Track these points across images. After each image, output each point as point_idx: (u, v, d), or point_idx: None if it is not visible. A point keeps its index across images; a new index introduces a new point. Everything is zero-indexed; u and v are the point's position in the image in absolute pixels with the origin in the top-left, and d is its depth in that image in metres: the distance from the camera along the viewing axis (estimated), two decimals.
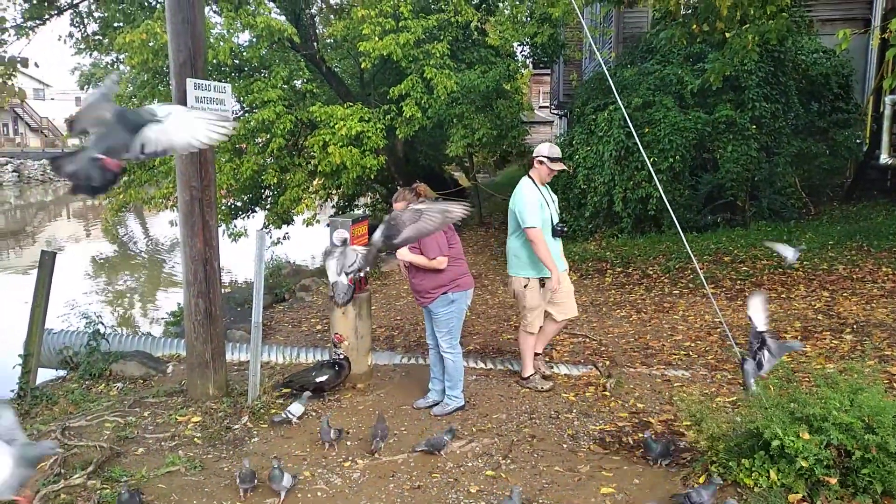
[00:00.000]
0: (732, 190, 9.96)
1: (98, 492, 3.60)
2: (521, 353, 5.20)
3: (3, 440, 2.32)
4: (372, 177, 11.81)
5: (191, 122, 2.17)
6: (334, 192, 13.37)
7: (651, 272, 8.66)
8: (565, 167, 5.45)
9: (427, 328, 4.84)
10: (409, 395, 5.05)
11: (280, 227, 12.60)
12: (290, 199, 11.57)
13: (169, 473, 3.86)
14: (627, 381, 5.14)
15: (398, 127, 11.50)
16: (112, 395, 5.29)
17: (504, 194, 15.21)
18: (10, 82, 6.24)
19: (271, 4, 12.47)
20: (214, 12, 11.50)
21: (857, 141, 11.20)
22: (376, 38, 10.72)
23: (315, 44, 13.08)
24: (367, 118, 11.10)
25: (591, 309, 7.40)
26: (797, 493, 3.17)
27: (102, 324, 5.96)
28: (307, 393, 4.61)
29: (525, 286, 4.95)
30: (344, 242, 4.30)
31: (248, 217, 13.34)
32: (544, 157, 4.93)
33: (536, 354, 5.25)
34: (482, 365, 5.76)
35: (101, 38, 12.30)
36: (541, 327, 5.11)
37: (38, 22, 11.83)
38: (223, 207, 12.32)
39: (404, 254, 4.61)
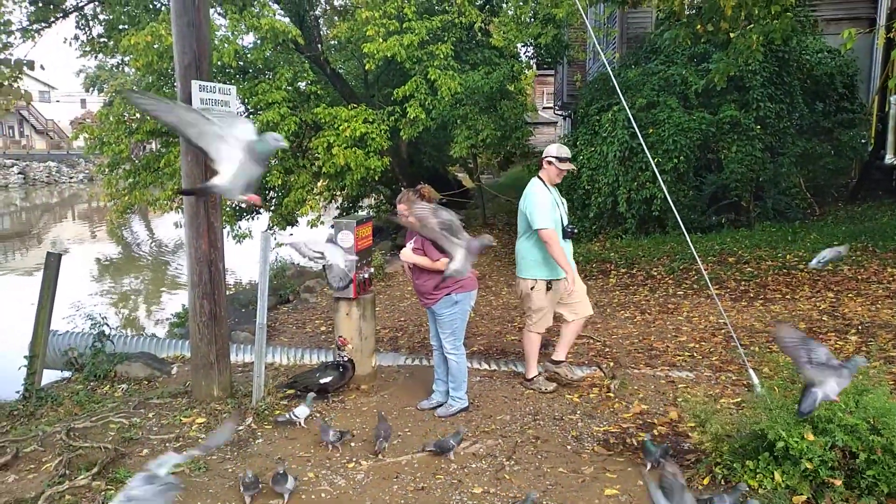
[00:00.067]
0: (737, 190, 9.94)
1: (102, 493, 3.61)
2: (525, 355, 5.19)
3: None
4: (376, 178, 11.81)
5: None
6: (338, 193, 13.39)
7: (655, 273, 8.64)
8: (574, 167, 5.45)
9: (431, 329, 4.84)
10: (413, 396, 5.06)
11: (284, 229, 12.62)
12: (294, 200, 11.59)
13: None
14: (631, 383, 5.13)
15: (402, 128, 11.50)
16: (117, 396, 5.31)
17: (508, 195, 15.23)
18: (15, 85, 6.25)
19: (275, 6, 12.50)
20: (219, 14, 11.53)
21: (862, 141, 11.16)
22: (380, 40, 10.73)
23: (319, 45, 13.10)
24: (371, 119, 11.12)
25: (595, 310, 7.37)
26: (802, 494, 3.16)
27: (107, 325, 5.99)
28: (312, 395, 4.62)
29: (532, 288, 4.94)
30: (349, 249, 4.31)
31: (253, 218, 13.37)
32: (553, 157, 4.93)
33: (559, 362, 5.17)
34: (486, 366, 5.76)
35: (106, 40, 12.33)
36: (558, 333, 5.09)
37: (43, 25, 11.88)
38: (228, 209, 12.35)
39: (408, 255, 4.62)
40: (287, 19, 12.07)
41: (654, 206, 9.82)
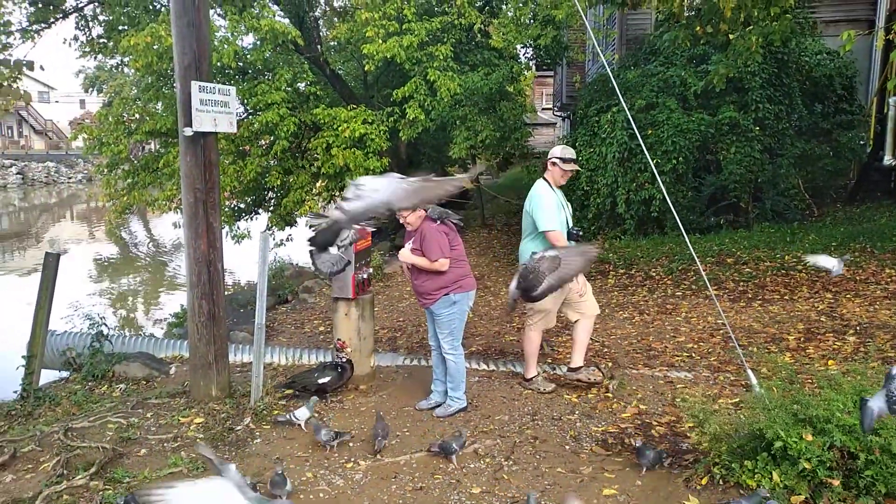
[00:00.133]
0: (736, 191, 9.94)
1: (100, 493, 3.61)
2: (525, 354, 5.19)
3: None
4: None
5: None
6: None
7: (654, 274, 8.64)
8: (579, 168, 5.44)
9: (429, 329, 4.84)
10: (411, 396, 5.06)
11: (283, 229, 12.63)
12: (293, 200, 11.60)
13: (171, 474, 3.87)
14: (630, 383, 5.14)
15: (401, 129, 11.51)
16: (115, 396, 5.31)
17: (507, 196, 15.24)
18: (15, 85, 6.25)
19: (275, 7, 12.50)
20: (219, 15, 11.52)
21: (861, 142, 11.16)
22: (380, 41, 10.74)
23: (319, 46, 13.11)
24: (370, 120, 11.12)
25: None
26: (800, 494, 3.16)
27: (105, 325, 5.99)
28: (315, 398, 4.61)
29: None
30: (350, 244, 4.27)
31: (252, 219, 13.37)
32: (557, 158, 4.93)
33: (576, 369, 5.06)
34: (485, 366, 5.76)
35: (105, 41, 12.32)
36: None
37: (43, 25, 11.87)
38: (226, 209, 12.35)
39: (406, 255, 4.62)
40: (287, 20, 12.07)
41: (652, 206, 9.82)
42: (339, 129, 10.80)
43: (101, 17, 12.39)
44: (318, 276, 4.68)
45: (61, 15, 12.12)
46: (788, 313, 6.67)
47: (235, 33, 10.61)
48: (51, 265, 5.07)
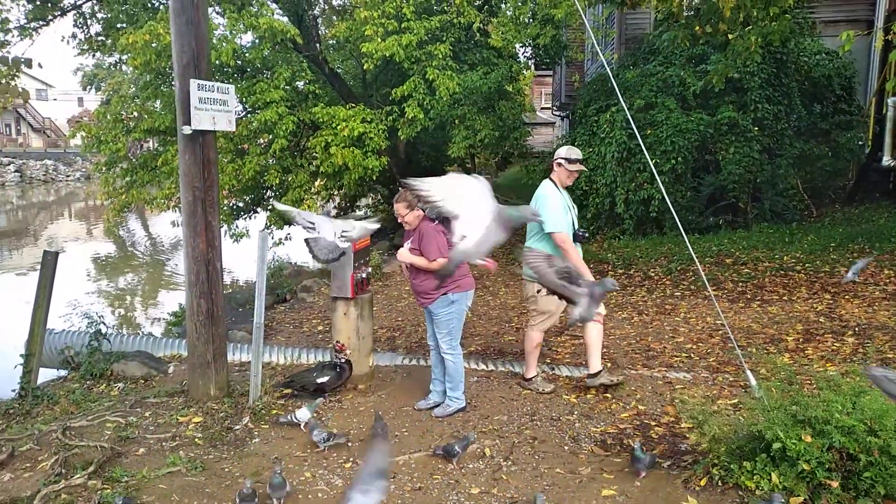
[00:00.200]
0: (734, 192, 9.95)
1: (99, 492, 3.60)
2: (525, 354, 5.18)
3: None
4: (374, 178, 11.81)
5: None
6: (336, 192, 13.38)
7: (653, 274, 8.65)
8: (584, 168, 5.41)
9: (428, 329, 4.83)
10: (410, 396, 5.05)
11: (282, 228, 12.61)
12: (292, 199, 11.56)
13: (170, 474, 3.86)
14: (629, 384, 5.13)
15: (400, 128, 11.50)
16: (113, 395, 5.30)
17: (506, 196, 15.22)
18: (13, 83, 6.22)
19: (274, 6, 12.48)
20: (217, 13, 11.51)
21: (860, 143, 11.18)
22: (379, 40, 10.73)
23: (318, 45, 13.08)
24: (369, 119, 11.11)
25: None
26: (799, 495, 3.16)
27: (104, 324, 5.97)
28: (320, 400, 4.59)
29: (538, 291, 4.88)
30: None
31: (250, 218, 13.36)
32: (563, 158, 4.91)
33: (596, 374, 4.99)
34: (483, 366, 5.75)
35: (104, 38, 12.30)
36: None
37: (41, 23, 11.85)
38: (225, 208, 12.32)
39: (405, 255, 4.62)
40: (285, 18, 12.05)
41: (651, 206, 9.82)
42: (338, 127, 10.79)
43: (99, 15, 12.38)
44: (316, 261, 4.66)
45: (59, 12, 12.10)
46: (787, 314, 6.68)
47: (234, 31, 10.59)
48: (49, 263, 5.06)
